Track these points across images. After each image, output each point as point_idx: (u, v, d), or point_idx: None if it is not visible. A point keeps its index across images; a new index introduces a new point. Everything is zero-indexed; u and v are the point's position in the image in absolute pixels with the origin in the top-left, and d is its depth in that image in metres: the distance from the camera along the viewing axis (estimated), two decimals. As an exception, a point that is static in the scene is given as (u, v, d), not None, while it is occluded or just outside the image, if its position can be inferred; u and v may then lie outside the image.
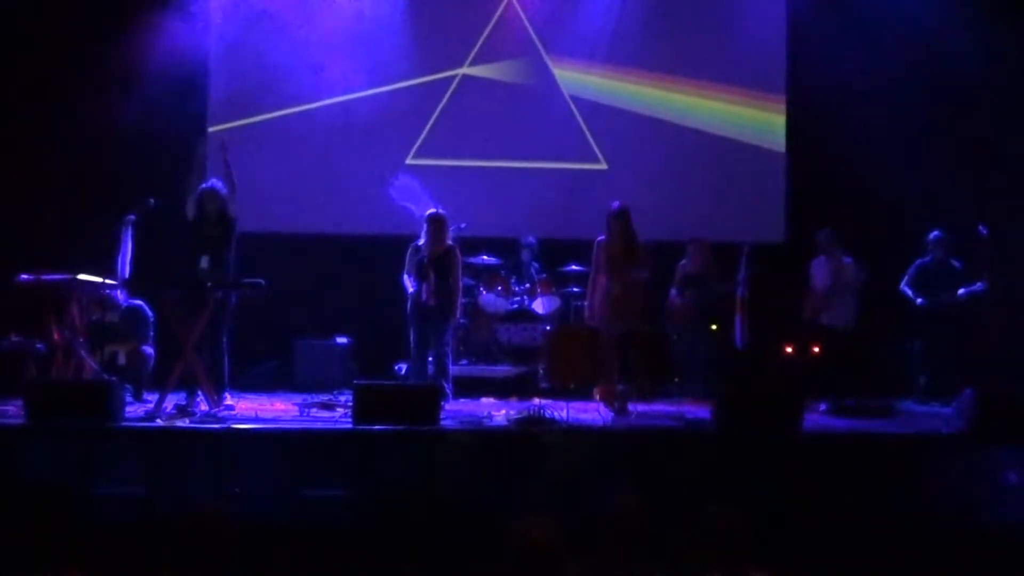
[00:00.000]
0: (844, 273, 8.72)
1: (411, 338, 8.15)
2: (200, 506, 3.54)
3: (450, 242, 8.20)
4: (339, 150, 9.96)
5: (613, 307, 8.03)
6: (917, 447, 7.07)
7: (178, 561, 3.37)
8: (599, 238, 8.21)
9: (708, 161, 10.19)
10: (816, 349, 8.88)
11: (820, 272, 8.86)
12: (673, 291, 9.12)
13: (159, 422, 7.03)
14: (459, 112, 10.14)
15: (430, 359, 8.11)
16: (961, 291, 8.96)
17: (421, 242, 8.11)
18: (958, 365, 8.74)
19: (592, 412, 7.81)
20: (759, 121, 10.28)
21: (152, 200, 7.98)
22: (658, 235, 9.32)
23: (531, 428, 7.04)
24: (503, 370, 9.31)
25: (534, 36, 10.18)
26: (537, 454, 6.66)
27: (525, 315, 9.51)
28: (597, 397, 8.13)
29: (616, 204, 8.17)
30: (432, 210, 8.23)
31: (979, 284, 8.88)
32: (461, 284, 8.37)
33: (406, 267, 8.10)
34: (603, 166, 10.22)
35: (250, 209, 8.53)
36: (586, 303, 8.47)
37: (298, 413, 7.63)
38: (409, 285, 8.04)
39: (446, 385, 8.04)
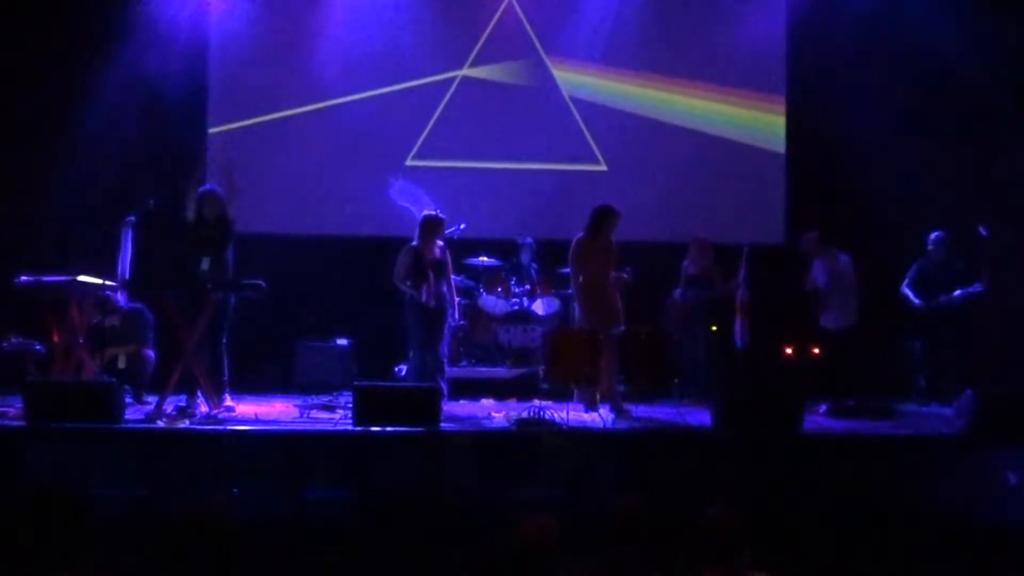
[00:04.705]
0: (842, 272, 8.68)
1: (410, 339, 8.14)
2: (200, 507, 3.53)
3: (441, 243, 8.21)
4: (339, 151, 9.97)
5: (604, 307, 8.06)
6: (917, 448, 7.07)
7: (178, 562, 3.37)
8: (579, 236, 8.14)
9: (708, 162, 10.19)
10: (816, 351, 8.86)
11: (820, 273, 8.84)
12: (677, 291, 9.11)
13: (159, 424, 7.04)
14: (459, 113, 10.13)
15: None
16: (961, 292, 8.95)
17: (415, 244, 8.11)
18: (958, 366, 8.74)
19: (592, 413, 7.80)
20: (759, 122, 10.27)
21: (152, 200, 7.96)
22: (658, 236, 9.33)
23: (531, 429, 7.04)
24: (503, 371, 9.30)
25: (534, 37, 10.18)
26: (537, 455, 6.66)
27: (525, 316, 9.50)
28: (599, 397, 8.11)
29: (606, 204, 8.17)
30: (429, 212, 8.24)
31: (978, 285, 8.87)
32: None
33: (400, 270, 8.07)
34: (603, 167, 10.22)
35: (250, 209, 8.55)
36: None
37: (298, 415, 7.63)
38: (404, 288, 8.03)
39: (443, 385, 8.04)
